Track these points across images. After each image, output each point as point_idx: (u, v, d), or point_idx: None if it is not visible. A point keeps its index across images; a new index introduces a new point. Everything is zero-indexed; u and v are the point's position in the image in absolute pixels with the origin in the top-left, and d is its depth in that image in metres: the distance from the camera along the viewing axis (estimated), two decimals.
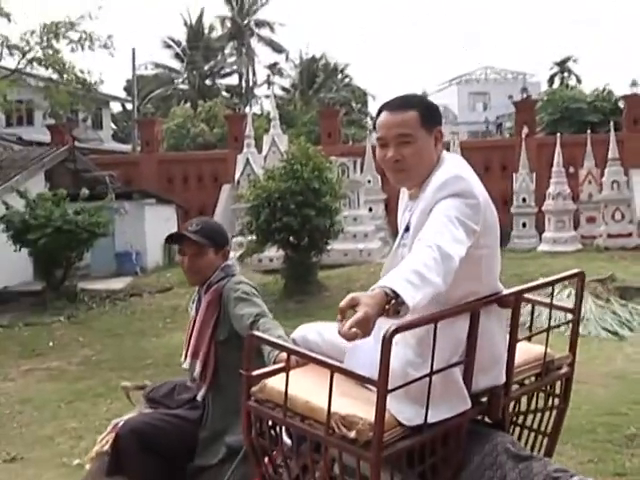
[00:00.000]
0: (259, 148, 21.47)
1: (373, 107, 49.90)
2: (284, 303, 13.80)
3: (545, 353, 3.03)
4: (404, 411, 2.49)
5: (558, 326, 3.09)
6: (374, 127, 2.90)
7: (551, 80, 49.63)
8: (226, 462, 3.52)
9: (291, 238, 14.73)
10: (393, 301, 2.24)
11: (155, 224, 20.69)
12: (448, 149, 19.84)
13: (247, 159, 20.85)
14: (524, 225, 20.96)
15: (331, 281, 15.61)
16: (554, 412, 3.13)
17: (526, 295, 2.95)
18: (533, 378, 3.03)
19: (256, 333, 2.99)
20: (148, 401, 4.08)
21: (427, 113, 2.79)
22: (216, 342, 3.77)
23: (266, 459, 2.79)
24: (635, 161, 21.74)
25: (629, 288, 13.65)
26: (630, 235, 19.26)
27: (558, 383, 3.13)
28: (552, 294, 3.02)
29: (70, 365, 11.18)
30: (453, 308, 2.58)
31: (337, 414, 2.44)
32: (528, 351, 3.01)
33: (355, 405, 2.49)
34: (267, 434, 2.72)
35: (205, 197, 24.00)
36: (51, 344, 12.74)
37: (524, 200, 21.03)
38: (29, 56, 19.99)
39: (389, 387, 2.32)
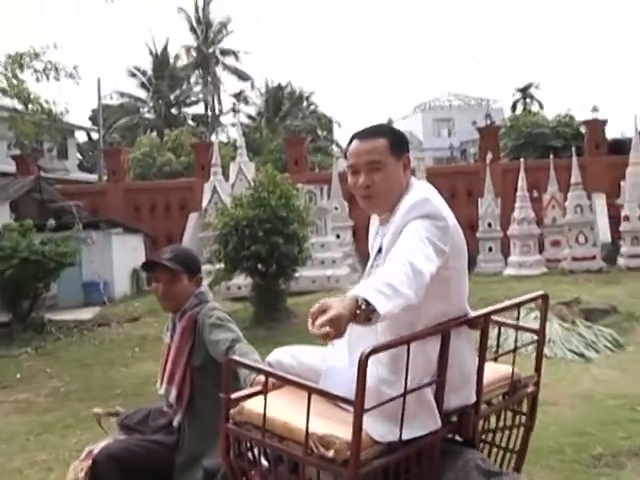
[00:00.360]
0: (226, 176, 21.51)
1: (339, 134, 50.45)
2: (254, 330, 13.76)
3: (512, 373, 3.13)
4: (378, 429, 2.56)
5: (524, 346, 3.17)
6: (345, 156, 3.01)
7: (514, 106, 50.37)
8: None
9: (259, 266, 14.73)
10: (364, 306, 2.30)
11: (123, 253, 20.63)
12: (414, 175, 20.05)
13: (214, 187, 20.89)
14: (490, 249, 21.19)
15: (300, 308, 15.62)
16: (521, 430, 3.22)
17: (493, 317, 3.02)
18: (501, 397, 3.12)
19: (234, 357, 3.07)
20: (122, 428, 4.09)
21: (396, 141, 2.92)
22: (192, 368, 3.82)
23: None
24: (597, 185, 22.14)
25: (594, 310, 13.79)
26: (594, 258, 19.52)
27: (525, 402, 3.23)
28: (518, 316, 3.11)
29: (38, 397, 11.05)
30: (425, 330, 2.66)
31: (315, 434, 2.51)
32: (496, 371, 3.10)
33: (331, 425, 2.56)
34: (245, 456, 2.79)
35: (172, 225, 23.99)
36: (18, 376, 12.58)
37: (490, 225, 21.27)
38: None
39: (365, 407, 2.39)
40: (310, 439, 2.51)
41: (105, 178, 28.85)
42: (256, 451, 2.80)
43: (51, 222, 16.99)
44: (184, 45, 51.24)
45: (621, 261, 19.28)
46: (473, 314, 2.91)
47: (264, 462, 2.79)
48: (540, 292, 3.26)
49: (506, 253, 20.79)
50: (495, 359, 3.14)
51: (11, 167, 25.59)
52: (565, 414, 8.46)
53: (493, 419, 3.17)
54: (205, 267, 18.26)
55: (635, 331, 13.14)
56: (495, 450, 3.16)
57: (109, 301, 19.63)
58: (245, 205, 14.80)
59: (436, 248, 2.62)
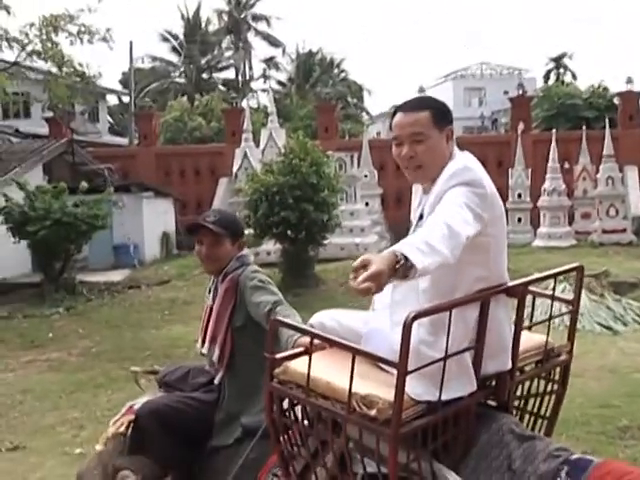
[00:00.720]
0: (256, 142, 21.54)
1: (369, 102, 50.19)
2: (281, 296, 13.91)
3: (547, 341, 3.18)
4: (417, 388, 2.64)
5: (559, 316, 3.22)
6: (390, 127, 3.05)
7: (547, 76, 49.82)
8: (242, 442, 3.66)
9: (289, 232, 14.84)
10: (402, 261, 2.36)
11: (153, 217, 20.81)
12: None
13: (245, 153, 20.94)
14: (519, 220, 21.09)
15: (328, 275, 15.73)
16: (553, 397, 3.28)
17: (530, 287, 3.07)
18: (534, 365, 3.19)
19: (279, 318, 3.15)
20: (162, 386, 4.19)
21: (439, 113, 2.96)
22: (232, 328, 3.91)
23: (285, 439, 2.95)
24: (630, 158, 21.91)
25: (623, 283, 13.78)
26: (624, 231, 19.41)
27: (557, 370, 3.29)
28: (554, 286, 3.15)
29: (70, 356, 11.28)
30: (466, 297, 2.73)
31: (357, 394, 2.59)
32: (530, 339, 3.15)
33: (373, 386, 2.64)
34: (288, 413, 2.88)
35: (202, 190, 24.11)
36: (50, 335, 12.83)
37: (519, 196, 21.16)
38: (28, 49, 19.98)
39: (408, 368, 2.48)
40: (353, 398, 2.58)
41: (136, 142, 28.98)
42: (298, 410, 2.88)
43: (83, 185, 17.14)
44: (216, 9, 51.13)
45: None
46: (511, 283, 2.95)
47: (305, 421, 2.88)
48: (576, 264, 3.28)
49: (536, 224, 20.68)
50: (529, 328, 3.18)
51: (43, 129, 25.80)
52: (591, 386, 8.52)
53: (526, 386, 3.23)
54: None
55: None
56: (527, 416, 3.23)
57: (139, 264, 19.84)
58: (275, 171, 14.86)
59: (474, 213, 2.67)
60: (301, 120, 34.04)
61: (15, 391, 9.39)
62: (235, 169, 21.09)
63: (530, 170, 21.41)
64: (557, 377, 3.29)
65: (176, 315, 13.60)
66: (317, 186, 14.63)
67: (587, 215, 20.57)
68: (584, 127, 21.84)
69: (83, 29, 19.68)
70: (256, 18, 51.19)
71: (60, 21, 19.36)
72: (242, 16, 50.45)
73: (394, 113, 3.03)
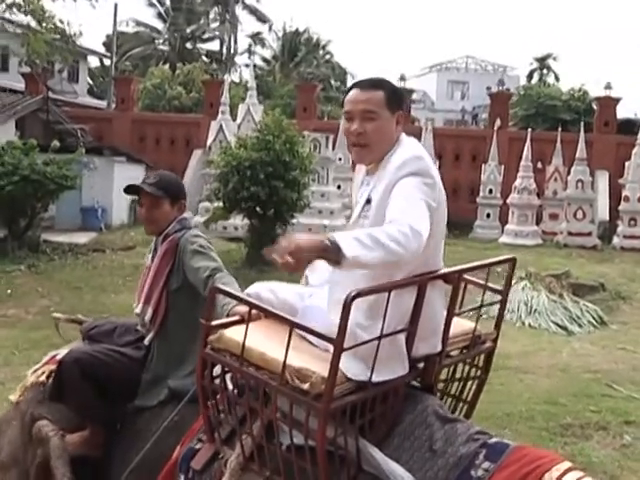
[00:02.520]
0: (234, 116, 21.45)
1: None
2: (245, 271, 13.90)
3: (474, 329, 3.26)
4: (352, 367, 2.69)
5: (489, 305, 3.32)
6: (342, 104, 3.08)
7: (530, 75, 50.03)
8: (166, 404, 3.67)
9: (257, 208, 14.82)
10: (330, 247, 2.44)
11: (123, 182, 20.35)
12: (420, 134, 20.04)
13: (220, 126, 20.84)
14: (488, 216, 21.27)
15: None
16: (475, 382, 3.38)
17: (465, 275, 3.15)
18: (461, 350, 3.27)
19: (220, 286, 3.15)
20: (86, 338, 4.16)
21: (392, 96, 3.01)
22: (168, 290, 3.90)
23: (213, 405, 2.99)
24: (602, 163, 22.14)
25: (583, 285, 13.95)
26: (590, 234, 19.63)
27: (482, 356, 3.37)
28: (487, 276, 3.24)
29: (27, 314, 11.22)
30: (405, 279, 2.79)
31: (292, 367, 2.64)
32: (459, 325, 3.22)
33: (308, 360, 2.69)
34: (218, 380, 2.92)
35: (176, 160, 23.95)
36: (9, 292, 12.74)
37: (490, 191, 21.32)
38: (8, 1, 19.74)
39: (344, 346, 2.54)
40: (287, 371, 2.63)
41: (114, 106, 28.72)
42: (228, 377, 2.92)
43: (55, 143, 16.96)
44: None
45: (616, 240, 19.39)
46: (448, 270, 3.03)
47: (235, 389, 2.92)
48: (509, 256, 3.39)
49: (504, 221, 20.85)
50: (459, 314, 3.24)
51: (20, 84, 25.48)
52: (540, 383, 8.67)
53: (451, 370, 3.33)
54: (204, 204, 18.46)
55: (620, 310, 13.32)
56: (449, 399, 3.31)
57: (106, 228, 19.74)
58: (249, 146, 14.82)
59: (429, 207, 2.76)
60: (281, 98, 33.93)
61: None
62: (209, 141, 20.99)
63: (503, 167, 21.57)
64: (481, 363, 3.37)
65: (138, 281, 13.58)
66: (289, 164, 14.62)
67: (555, 216, 20.79)
68: (559, 129, 22.02)
69: None
70: None
71: None
72: None
73: (349, 89, 3.07)
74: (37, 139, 16.90)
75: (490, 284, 3.30)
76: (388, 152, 2.97)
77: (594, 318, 12.47)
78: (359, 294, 2.53)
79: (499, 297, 3.40)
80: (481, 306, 3.26)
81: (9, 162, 15.31)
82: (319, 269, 2.96)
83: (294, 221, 15.43)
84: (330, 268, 2.80)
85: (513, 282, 13.60)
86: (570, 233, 19.60)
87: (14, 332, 10.07)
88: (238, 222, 16.85)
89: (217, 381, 2.94)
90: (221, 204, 15.24)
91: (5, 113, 19.60)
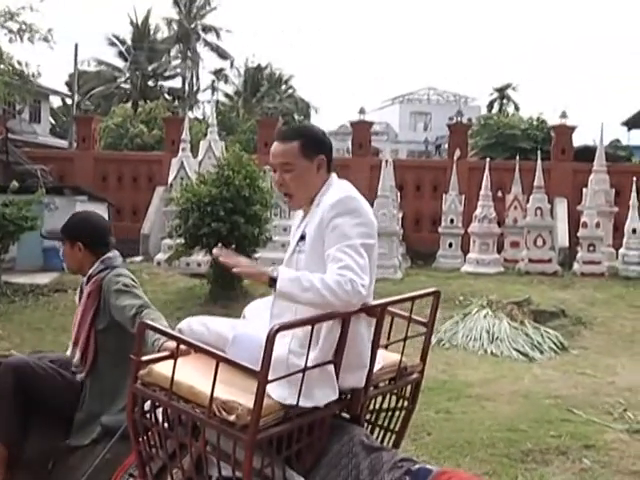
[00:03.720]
0: (196, 153, 21.50)
1: (316, 120, 50.33)
2: (209, 307, 13.89)
3: (400, 360, 3.33)
4: (280, 391, 2.80)
5: (414, 337, 3.41)
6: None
7: (490, 105, 50.72)
8: (99, 442, 3.68)
9: (219, 244, 14.79)
10: (268, 279, 2.83)
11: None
12: (380, 166, 20.20)
13: (182, 162, 20.86)
14: (450, 245, 21.39)
15: (256, 289, 15.74)
16: (403, 412, 3.43)
17: (389, 308, 3.24)
18: (387, 382, 3.34)
19: (148, 322, 3.21)
20: None
21: (308, 143, 3.16)
22: (96, 330, 3.94)
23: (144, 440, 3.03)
24: (560, 190, 22.44)
25: (544, 312, 14.08)
26: (550, 261, 19.80)
27: (409, 387, 3.45)
28: (411, 309, 3.31)
29: None
30: (329, 313, 2.88)
31: (218, 399, 2.71)
32: (386, 357, 3.31)
33: (235, 392, 2.77)
34: (149, 415, 2.97)
35: (138, 198, 23.94)
36: None
37: (452, 221, 21.47)
38: None
39: (270, 377, 2.65)
40: (214, 403, 2.71)
41: (75, 145, 28.63)
42: (159, 412, 2.97)
43: (14, 184, 16.90)
44: (165, 17, 50.92)
45: (576, 266, 19.57)
46: (371, 303, 3.11)
47: (165, 424, 2.97)
48: (433, 289, 3.48)
49: (466, 250, 20.99)
50: (386, 347, 3.36)
51: None
52: (502, 410, 8.72)
53: (378, 401, 3.40)
54: (166, 241, 18.41)
55: (581, 335, 13.47)
56: (377, 429, 3.38)
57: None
58: (209, 182, 14.87)
59: (366, 246, 2.94)
60: (244, 133, 34.05)
61: None
62: (171, 178, 21.00)
63: (464, 196, 21.76)
64: (408, 394, 3.44)
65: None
66: (250, 199, 14.68)
67: (516, 244, 20.99)
68: (517, 157, 22.31)
69: (24, 27, 19.46)
70: (206, 29, 51.13)
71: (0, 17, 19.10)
72: (192, 26, 50.32)
73: (274, 141, 3.24)
74: None
75: (415, 317, 3.39)
76: (318, 193, 3.12)
77: (555, 344, 12.59)
78: (282, 327, 2.66)
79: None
80: (406, 338, 3.34)
81: None
82: (254, 304, 3.11)
83: (257, 255, 15.45)
84: (270, 302, 3.06)
85: (475, 310, 13.74)
86: (531, 260, 19.76)
87: None
88: (200, 258, 16.86)
89: (148, 416, 2.99)
90: (182, 240, 15.24)
91: None
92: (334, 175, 3.22)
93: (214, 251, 3.06)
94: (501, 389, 9.84)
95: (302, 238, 3.09)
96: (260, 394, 2.61)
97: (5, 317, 14.08)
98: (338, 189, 3.09)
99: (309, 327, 2.81)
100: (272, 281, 2.82)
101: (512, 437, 7.58)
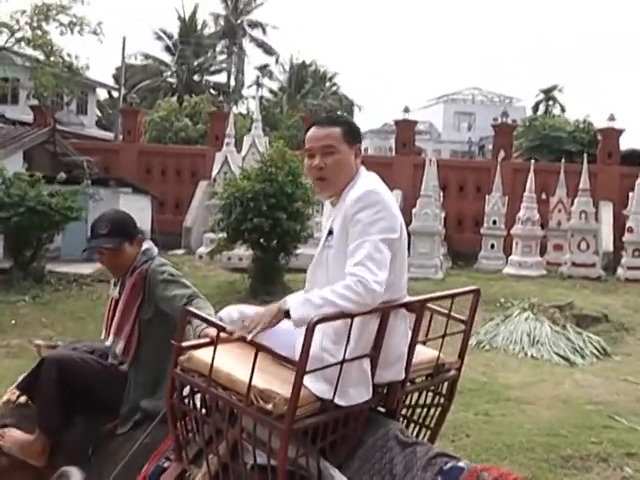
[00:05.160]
0: (240, 148, 21.60)
1: (359, 118, 50.40)
2: (249, 302, 13.92)
3: (438, 357, 3.34)
4: (318, 386, 2.83)
5: (453, 334, 3.41)
6: (304, 141, 3.26)
7: (536, 107, 50.22)
8: (137, 428, 3.72)
9: (261, 239, 14.89)
10: (278, 311, 2.84)
11: (129, 212, 20.74)
12: (424, 165, 20.13)
13: (226, 157, 20.96)
14: (492, 246, 21.26)
15: (297, 285, 15.73)
16: (439, 409, 3.44)
17: (429, 305, 3.26)
18: (424, 377, 3.36)
19: (191, 309, 3.25)
20: None
21: (349, 130, 3.20)
22: (140, 321, 3.97)
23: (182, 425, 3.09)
24: (605, 194, 22.16)
25: (586, 316, 13.94)
26: (594, 265, 19.58)
27: (445, 384, 3.45)
28: (451, 306, 3.32)
29: (30, 344, 11.20)
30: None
31: (256, 388, 2.74)
32: (424, 353, 3.33)
33: (273, 382, 2.79)
34: (187, 400, 3.03)
35: (181, 191, 24.13)
36: (13, 322, 12.80)
37: (494, 222, 21.33)
38: (18, 35, 20.06)
39: (307, 369, 2.68)
40: (251, 391, 2.74)
41: (121, 137, 28.94)
42: (197, 398, 3.03)
43: (61, 175, 17.12)
44: (213, 13, 51.27)
45: (620, 272, 19.33)
46: (410, 299, 3.14)
47: (202, 410, 3.02)
48: (473, 287, 3.48)
49: (508, 252, 20.84)
50: (424, 343, 3.35)
51: (29, 117, 25.72)
52: (542, 414, 8.64)
53: (414, 396, 3.40)
54: (208, 235, 18.52)
55: (624, 341, 13.29)
56: (412, 425, 3.39)
57: None
58: (253, 178, 14.93)
59: (386, 240, 2.93)
60: (287, 129, 34.12)
61: None
62: (214, 173, 21.12)
63: (507, 198, 21.60)
64: (444, 391, 3.45)
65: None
66: (292, 196, 14.71)
67: (559, 247, 20.76)
68: (563, 160, 22.08)
69: (74, 20, 19.74)
70: (252, 25, 51.32)
71: (52, 10, 19.39)
72: (238, 22, 50.56)
73: (309, 127, 3.25)
74: (44, 171, 17.05)
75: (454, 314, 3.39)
76: (348, 185, 3.13)
77: (597, 349, 12.45)
78: (320, 320, 2.68)
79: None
80: (444, 335, 3.35)
81: (15, 193, 15.47)
82: (293, 295, 3.11)
83: (297, 252, 15.48)
84: (304, 293, 3.05)
85: (516, 313, 13.63)
86: (574, 264, 19.55)
87: (17, 362, 10.08)
88: (242, 252, 16.91)
89: (187, 401, 3.04)
90: (225, 235, 15.32)
91: (13, 145, 19.75)
92: (363, 168, 3.24)
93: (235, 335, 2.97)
94: (541, 393, 9.75)
95: (330, 233, 3.10)
96: (297, 384, 2.64)
97: (49, 306, 14.28)
98: (363, 183, 3.10)
99: (339, 325, 2.84)
100: (287, 313, 2.84)
101: (552, 442, 7.51)
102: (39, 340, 4.70)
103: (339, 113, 47.06)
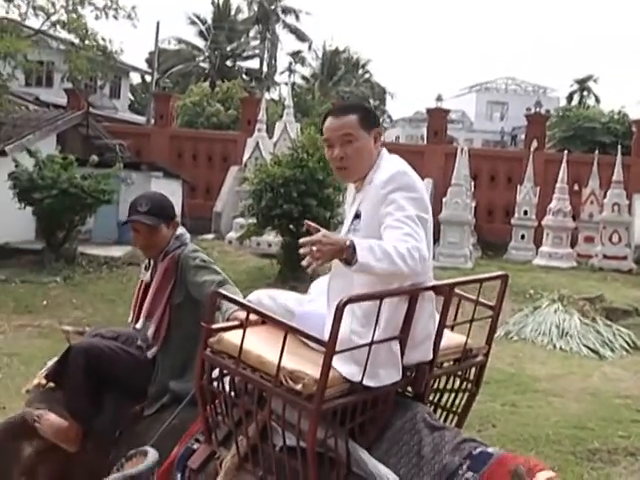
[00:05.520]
0: (271, 134, 21.62)
1: (391, 106, 50.27)
2: (276, 287, 13.98)
3: (466, 342, 3.35)
4: (347, 368, 2.84)
5: (480, 319, 3.42)
6: (321, 132, 3.27)
7: (570, 97, 49.69)
8: (165, 409, 3.77)
9: (290, 225, 14.92)
10: (350, 249, 2.69)
11: None
12: (456, 154, 20.02)
13: (257, 143, 20.99)
14: (522, 237, 21.11)
15: (324, 271, 15.79)
16: (466, 395, 3.45)
17: (456, 290, 3.26)
18: (452, 362, 3.37)
19: (220, 290, 3.29)
20: None
21: (366, 116, 3.19)
22: (171, 305, 4.00)
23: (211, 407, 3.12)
24: (639, 186, 21.87)
25: (616, 310, 13.84)
26: (625, 258, 19.38)
27: (473, 370, 3.46)
28: (479, 291, 3.33)
29: (61, 325, 11.37)
30: (397, 289, 2.92)
31: (285, 369, 2.77)
32: (452, 338, 3.34)
33: (302, 363, 2.82)
34: (217, 382, 3.05)
35: (212, 176, 24.19)
36: (45, 303, 12.98)
37: (525, 213, 21.17)
38: (53, 18, 20.19)
39: (336, 349, 2.69)
40: (281, 372, 2.76)
41: (153, 121, 29.06)
42: (227, 380, 3.05)
43: (94, 158, 17.27)
44: None
45: None
46: (438, 282, 3.16)
47: (232, 392, 3.04)
48: (500, 272, 3.50)
49: (539, 243, 20.68)
50: (452, 328, 3.36)
51: (63, 100, 25.91)
52: (569, 407, 8.62)
53: (442, 381, 3.42)
54: (238, 220, 18.60)
55: None
56: (440, 410, 3.41)
57: None
58: (284, 164, 14.95)
59: (424, 224, 2.95)
60: (319, 116, 34.07)
61: (3, 354, 9.53)
62: (245, 158, 21.16)
63: (539, 188, 21.43)
64: (472, 377, 3.46)
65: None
66: (323, 182, 14.72)
67: (590, 239, 20.55)
68: (596, 151, 21.83)
69: (109, 4, 19.85)
70: (286, 11, 51.15)
71: None
72: (272, 7, 50.45)
73: (324, 118, 3.24)
74: (77, 153, 17.22)
75: (482, 299, 3.39)
76: (372, 168, 3.13)
77: (627, 343, 12.38)
78: (351, 300, 2.69)
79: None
80: (472, 320, 3.35)
81: (48, 176, 15.65)
82: (321, 280, 3.11)
83: None
84: (328, 277, 3.10)
85: (545, 304, 13.56)
86: (605, 256, 19.37)
87: (48, 342, 10.25)
88: (271, 238, 16.98)
89: (216, 384, 3.06)
90: (255, 220, 15.36)
91: (47, 127, 19.93)
92: (384, 150, 3.23)
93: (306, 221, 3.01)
94: (569, 385, 9.72)
95: (357, 216, 3.10)
96: (327, 364, 2.65)
97: (80, 287, 14.45)
98: (389, 165, 3.10)
99: (367, 307, 2.85)
100: (353, 252, 2.72)
101: (579, 435, 7.50)
102: (67, 326, 4.76)
103: (371, 102, 47.09)
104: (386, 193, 2.96)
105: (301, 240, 2.74)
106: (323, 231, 2.77)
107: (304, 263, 2.73)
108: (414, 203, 2.94)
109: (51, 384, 4.04)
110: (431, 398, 3.35)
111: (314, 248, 2.68)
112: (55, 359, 4.09)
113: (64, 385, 3.91)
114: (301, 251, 2.71)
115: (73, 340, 4.29)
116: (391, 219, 2.90)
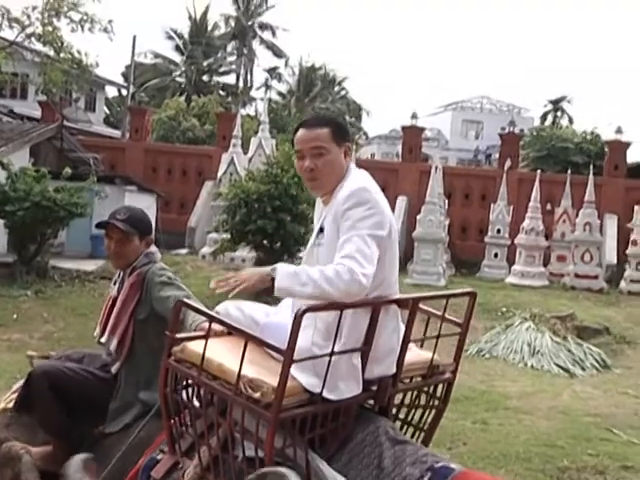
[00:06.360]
0: (247, 149, 21.63)
1: (367, 123, 50.49)
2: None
3: (432, 358, 3.35)
4: (308, 379, 2.86)
5: (447, 336, 3.43)
6: (292, 143, 3.29)
7: (544, 117, 50.24)
8: (130, 427, 3.76)
9: (264, 241, 14.91)
10: (266, 275, 2.89)
11: None
12: (430, 172, 20.12)
13: (232, 158, 21.01)
14: (496, 255, 21.23)
15: None
16: (433, 411, 3.45)
17: (421, 306, 3.27)
18: (419, 378, 3.37)
19: (185, 300, 3.29)
20: None
21: (337, 130, 3.22)
22: (135, 320, 4.03)
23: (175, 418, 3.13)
24: (611, 206, 22.11)
25: (587, 328, 13.92)
26: (597, 277, 19.53)
27: (440, 386, 3.45)
28: (445, 307, 3.33)
29: (31, 339, 11.29)
30: (359, 301, 2.93)
31: (246, 377, 2.80)
32: (418, 355, 3.35)
33: (262, 372, 2.85)
34: (180, 392, 3.07)
35: (187, 191, 24.14)
36: (15, 316, 12.83)
37: (499, 231, 21.31)
38: (28, 31, 20.12)
39: (295, 358, 2.72)
40: (241, 380, 2.78)
41: (128, 135, 28.98)
42: (190, 391, 3.07)
43: (67, 171, 17.12)
44: (223, 14, 51.31)
45: (623, 284, 19.30)
46: (402, 296, 3.19)
47: (195, 403, 3.04)
48: (468, 289, 3.52)
49: (511, 261, 20.80)
50: (421, 345, 3.38)
51: (38, 112, 25.77)
52: (539, 425, 8.65)
53: (409, 398, 3.42)
54: (212, 235, 18.55)
55: (624, 354, 13.28)
56: (406, 427, 3.40)
57: None
58: (258, 179, 14.96)
59: (376, 237, 2.96)
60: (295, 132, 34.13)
61: None
62: (220, 173, 21.15)
63: (512, 207, 21.58)
64: (439, 393, 3.45)
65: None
66: (297, 198, 14.74)
67: (563, 258, 20.71)
68: (569, 171, 22.04)
69: (85, 17, 19.80)
70: (263, 27, 51.37)
71: (63, 7, 19.46)
72: (249, 23, 50.62)
73: (296, 129, 3.26)
74: (51, 166, 17.10)
75: (448, 316, 3.40)
76: (339, 183, 3.16)
77: (597, 361, 12.46)
78: (309, 309, 2.73)
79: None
80: (439, 336, 3.35)
81: (21, 188, 15.49)
82: (287, 265, 3.16)
83: (301, 254, 15.48)
84: None
85: (517, 322, 13.64)
86: (577, 275, 19.52)
87: (17, 356, 10.12)
88: (245, 254, 16.95)
89: (181, 395, 3.07)
90: (229, 236, 15.33)
91: (20, 140, 19.76)
92: (353, 165, 3.26)
93: (211, 284, 3.02)
94: (540, 403, 9.76)
95: (321, 230, 3.14)
96: (285, 372, 2.68)
97: (51, 301, 14.30)
98: (353, 181, 3.13)
99: (330, 320, 2.87)
100: (273, 280, 2.89)
101: (549, 452, 7.51)
102: (31, 351, 4.75)
103: (347, 118, 47.25)
104: (345, 209, 2.99)
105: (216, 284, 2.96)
106: (248, 269, 2.98)
107: (211, 285, 2.93)
108: (369, 221, 2.96)
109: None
110: (398, 414, 3.36)
111: (231, 280, 2.91)
112: (18, 384, 4.12)
113: (35, 409, 3.93)
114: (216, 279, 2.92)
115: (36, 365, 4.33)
116: (341, 240, 2.94)
